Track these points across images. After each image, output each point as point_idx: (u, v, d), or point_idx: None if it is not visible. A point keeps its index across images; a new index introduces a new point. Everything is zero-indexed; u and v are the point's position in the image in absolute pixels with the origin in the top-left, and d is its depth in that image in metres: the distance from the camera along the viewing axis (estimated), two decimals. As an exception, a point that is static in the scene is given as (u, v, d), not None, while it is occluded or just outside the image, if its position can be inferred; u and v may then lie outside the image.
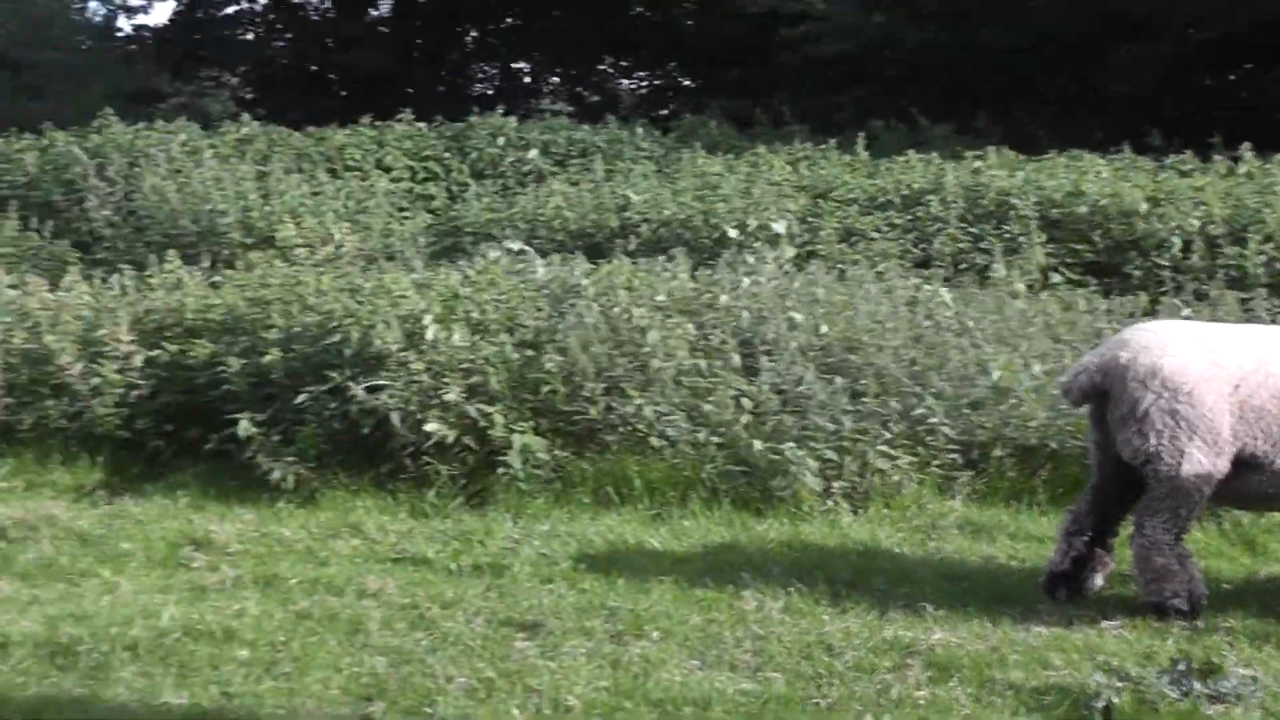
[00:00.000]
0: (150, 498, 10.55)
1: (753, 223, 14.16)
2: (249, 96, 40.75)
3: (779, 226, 14.03)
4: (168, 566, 8.96)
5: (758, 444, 10.00)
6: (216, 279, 12.61)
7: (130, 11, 44.42)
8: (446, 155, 19.15)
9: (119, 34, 42.02)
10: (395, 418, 10.17)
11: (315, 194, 16.66)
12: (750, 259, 12.42)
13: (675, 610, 8.00)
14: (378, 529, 9.61)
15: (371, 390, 10.28)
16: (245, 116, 20.30)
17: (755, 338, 11.05)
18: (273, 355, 10.80)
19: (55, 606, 8.08)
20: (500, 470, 10.13)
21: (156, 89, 39.35)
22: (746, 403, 10.33)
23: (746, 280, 11.79)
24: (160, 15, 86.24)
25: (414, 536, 9.47)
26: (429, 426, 10.13)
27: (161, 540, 9.39)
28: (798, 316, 11.18)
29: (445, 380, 10.22)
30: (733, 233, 13.98)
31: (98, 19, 41.75)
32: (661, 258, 12.43)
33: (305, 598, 8.24)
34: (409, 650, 7.41)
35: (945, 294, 12.07)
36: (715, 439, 10.17)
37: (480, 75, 43.63)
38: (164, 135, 18.54)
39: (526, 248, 12.86)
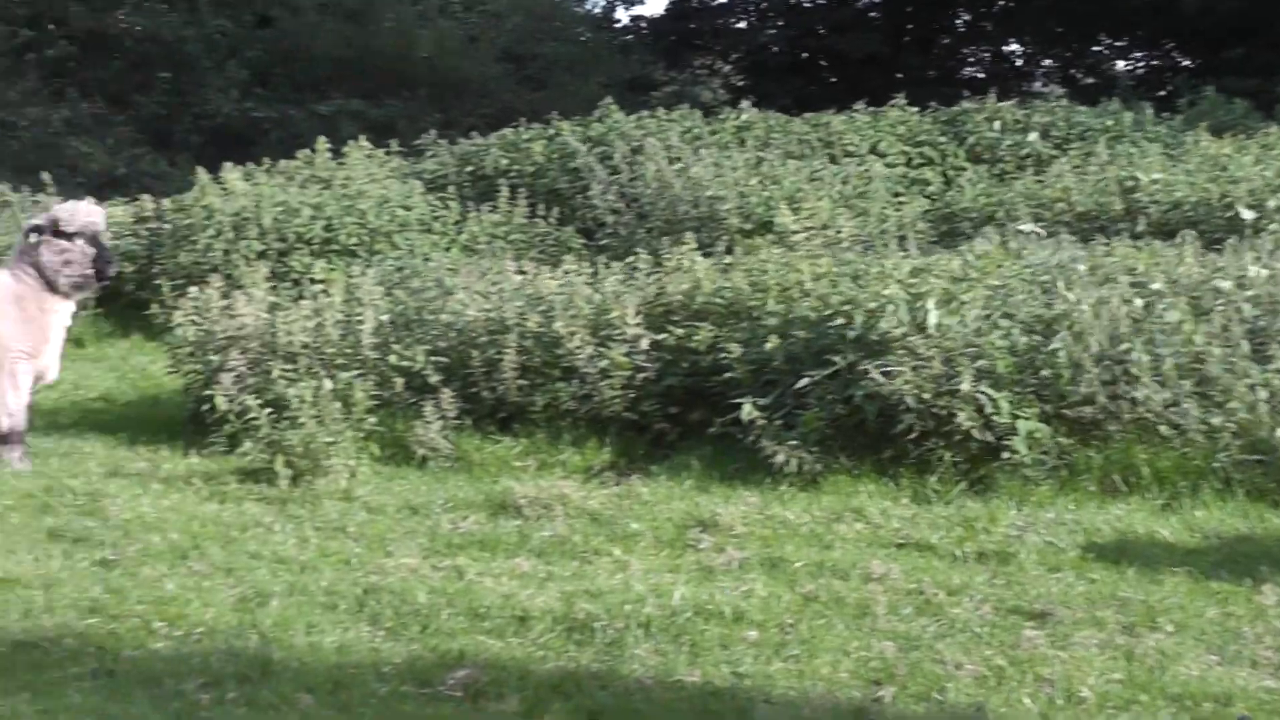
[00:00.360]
0: (656, 479, 10.74)
1: (1272, 204, 13.62)
2: (740, 83, 41.31)
3: (1302, 208, 13.49)
4: (676, 547, 9.11)
5: None
6: (722, 264, 12.77)
7: (628, 3, 45.63)
8: (942, 140, 19.05)
9: (616, 25, 43.17)
10: (910, 401, 10.10)
11: (812, 179, 16.75)
12: (1268, 243, 11.95)
13: (1189, 603, 7.76)
14: (880, 514, 9.58)
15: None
16: (745, 103, 20.58)
17: (1267, 323, 10.63)
18: (774, 340, 10.87)
19: (570, 583, 8.29)
20: (1005, 457, 9.99)
21: (651, 78, 40.22)
22: (1262, 391, 9.95)
23: (1254, 269, 11.34)
24: (656, 6, 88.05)
25: (917, 522, 9.42)
26: (960, 415, 10.01)
27: (669, 521, 9.56)
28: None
29: (955, 366, 10.11)
30: (1246, 214, 13.48)
31: (597, 11, 43.04)
32: (1169, 241, 12.08)
33: (811, 581, 8.28)
34: (916, 636, 7.38)
35: None
36: (1230, 426, 9.82)
37: (971, 59, 43.24)
38: (665, 123, 18.94)
39: (1039, 230, 12.66)
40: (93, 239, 10.97)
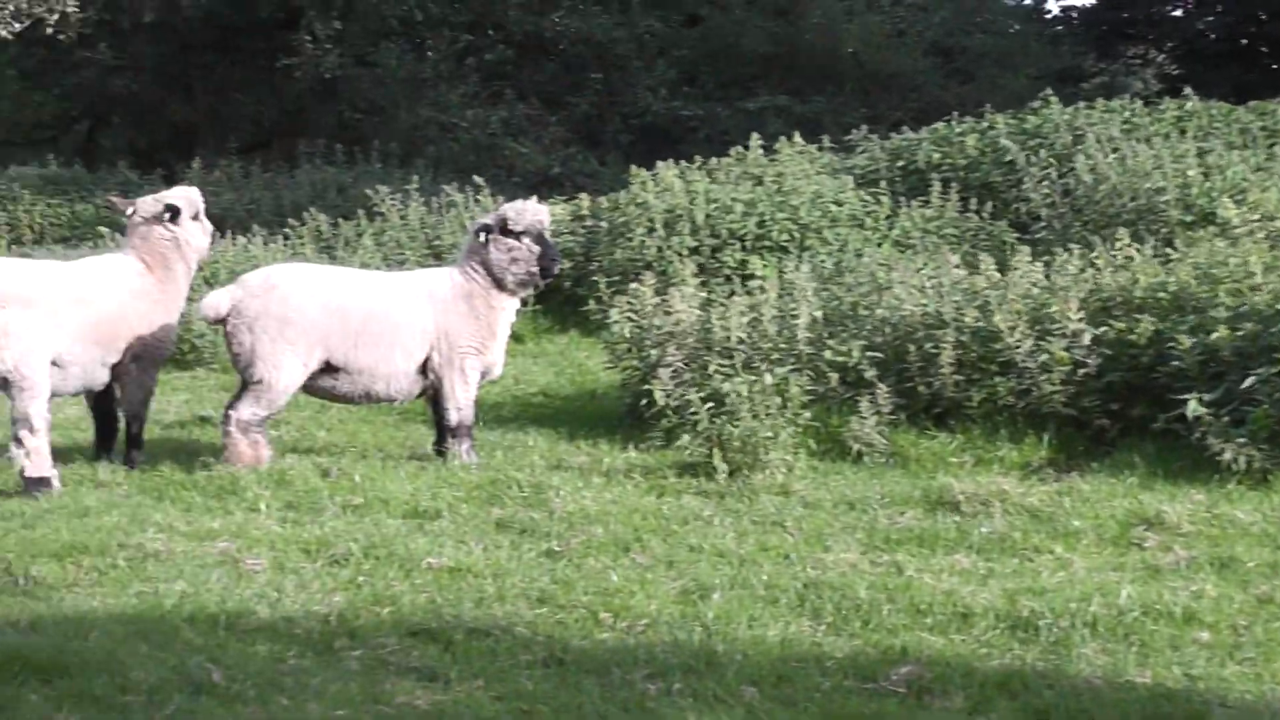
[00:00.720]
0: (1097, 475, 10.53)
1: None
2: (1174, 72, 40.25)
3: None
4: (1119, 545, 8.92)
5: None
6: (1162, 256, 12.45)
7: (1058, -8, 44.91)
8: (1404, 126, 18.21)
9: (1046, 15, 42.55)
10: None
11: (1259, 170, 16.16)
12: None
13: None
14: (1338, 514, 9.24)
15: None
16: (1188, 91, 19.99)
17: None
18: (1220, 333, 10.54)
19: (1012, 580, 8.18)
20: None
21: (1080, 68, 39.50)
22: None
23: None
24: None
25: (1377, 524, 9.05)
26: None
27: (1111, 519, 9.35)
28: None
29: None
30: None
31: (1027, 2, 42.44)
32: None
33: (1265, 582, 8.01)
34: (1381, 643, 7.09)
35: None
36: None
37: None
38: (1103, 115, 18.53)
39: None
40: (538, 237, 11.27)
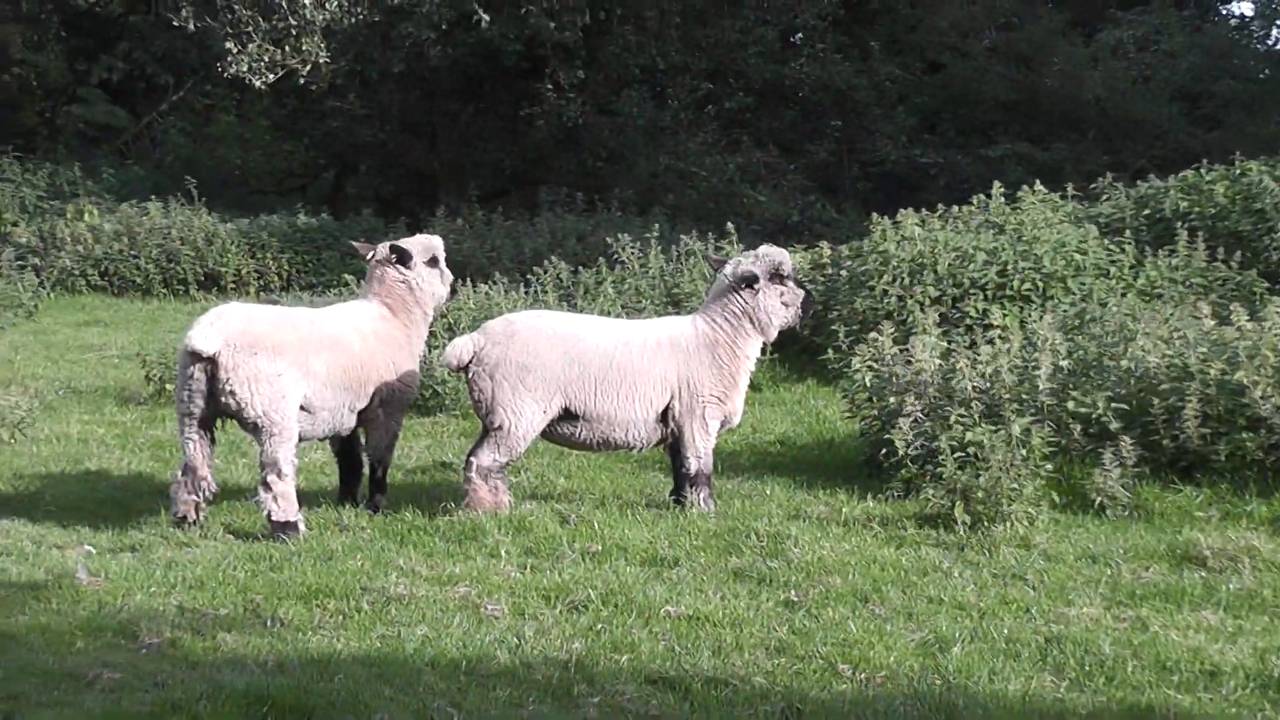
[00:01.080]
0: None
1: None
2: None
3: None
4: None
5: None
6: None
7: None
8: None
9: (1299, 62, 41.60)
10: None
11: None
12: None
13: None
14: None
15: None
16: None
17: None
18: None
19: (1261, 639, 8.03)
20: None
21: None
22: None
23: None
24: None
25: None
26: None
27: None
28: None
29: None
30: None
31: (1279, 47, 41.55)
32: None
33: None
34: None
35: None
36: None
37: None
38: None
39: None
40: (799, 281, 11.37)
